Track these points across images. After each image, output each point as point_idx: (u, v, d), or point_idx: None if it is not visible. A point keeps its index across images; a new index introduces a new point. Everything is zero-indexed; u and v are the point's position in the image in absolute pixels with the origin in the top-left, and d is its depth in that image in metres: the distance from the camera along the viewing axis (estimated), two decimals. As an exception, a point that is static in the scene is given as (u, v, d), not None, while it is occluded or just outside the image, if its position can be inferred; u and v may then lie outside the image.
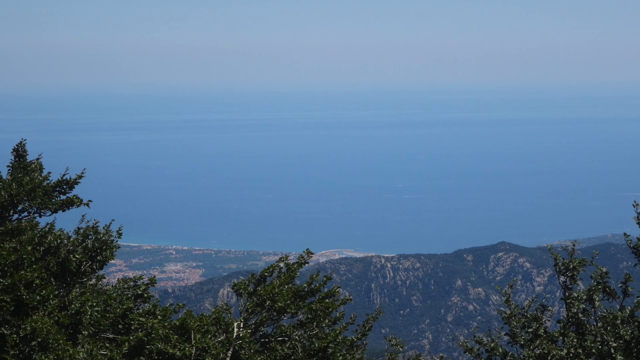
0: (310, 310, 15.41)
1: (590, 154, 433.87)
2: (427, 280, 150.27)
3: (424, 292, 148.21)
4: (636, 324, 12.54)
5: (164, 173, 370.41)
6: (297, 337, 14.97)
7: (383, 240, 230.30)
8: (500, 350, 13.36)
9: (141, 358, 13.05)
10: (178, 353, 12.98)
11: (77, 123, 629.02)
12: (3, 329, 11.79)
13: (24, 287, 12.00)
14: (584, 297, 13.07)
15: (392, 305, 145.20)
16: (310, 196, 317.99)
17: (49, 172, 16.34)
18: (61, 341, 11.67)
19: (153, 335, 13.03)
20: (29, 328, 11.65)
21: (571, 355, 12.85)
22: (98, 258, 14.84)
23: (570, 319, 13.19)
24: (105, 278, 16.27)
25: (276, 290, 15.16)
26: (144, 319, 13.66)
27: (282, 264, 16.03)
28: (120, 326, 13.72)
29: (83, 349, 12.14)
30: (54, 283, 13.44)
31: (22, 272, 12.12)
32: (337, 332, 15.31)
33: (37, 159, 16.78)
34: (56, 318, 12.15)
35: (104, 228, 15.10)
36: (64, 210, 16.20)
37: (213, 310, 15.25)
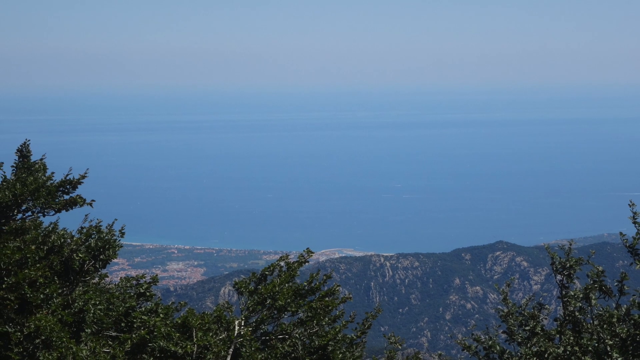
0: (311, 308, 15.46)
1: (587, 154, 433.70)
2: (425, 279, 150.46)
3: (422, 291, 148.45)
4: (632, 322, 12.64)
5: (166, 173, 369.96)
6: (297, 335, 15.01)
7: (382, 240, 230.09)
8: (498, 348, 13.44)
9: (143, 356, 13.08)
10: (180, 351, 13.02)
11: (81, 124, 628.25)
12: (7, 327, 11.80)
13: (28, 286, 12.03)
14: (581, 295, 13.14)
15: (391, 304, 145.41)
16: (310, 196, 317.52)
17: (53, 172, 16.38)
18: (64, 339, 11.71)
19: (155, 333, 13.06)
20: (32, 326, 11.70)
21: (568, 352, 12.96)
22: (101, 257, 14.92)
23: (567, 317, 13.27)
24: (108, 277, 16.33)
25: (277, 288, 15.24)
26: (146, 317, 13.70)
27: (282, 263, 16.11)
28: (122, 324, 13.75)
29: (86, 347, 12.18)
30: (57, 282, 13.47)
31: (26, 270, 12.14)
32: (337, 330, 15.33)
33: (41, 159, 16.79)
34: (60, 316, 12.17)
35: (106, 227, 15.19)
36: (67, 210, 16.24)
37: (214, 308, 15.33)
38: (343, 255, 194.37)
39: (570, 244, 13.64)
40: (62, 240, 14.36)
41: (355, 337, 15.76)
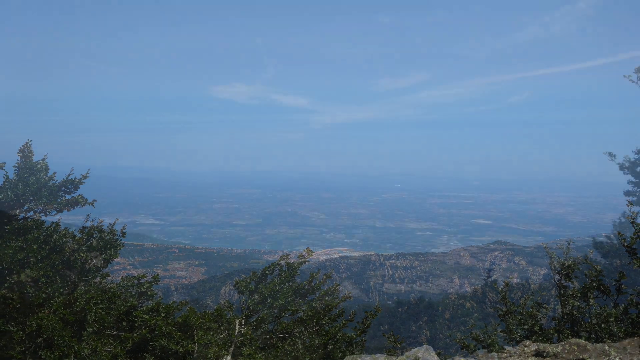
0: (311, 307, 15.56)
1: (586, 154, 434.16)
2: (424, 278, 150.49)
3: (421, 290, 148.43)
4: (629, 321, 12.72)
5: (167, 173, 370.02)
6: (297, 334, 15.11)
7: (382, 239, 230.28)
8: (497, 346, 13.53)
9: (145, 354, 13.13)
10: (181, 349, 13.04)
11: (83, 124, 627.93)
12: (9, 325, 11.84)
13: (30, 285, 12.12)
14: (579, 294, 13.24)
15: (390, 303, 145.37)
16: (310, 196, 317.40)
17: (55, 172, 16.43)
18: (66, 338, 11.76)
19: (156, 332, 13.10)
20: (34, 325, 11.75)
21: (566, 351, 13.02)
22: (102, 256, 15.01)
23: (565, 316, 13.36)
24: (109, 276, 16.38)
25: (277, 288, 15.30)
26: (147, 316, 13.73)
27: (283, 262, 16.17)
28: (124, 323, 13.77)
29: (88, 346, 12.20)
30: (59, 281, 13.57)
31: (29, 270, 12.24)
32: (337, 329, 15.40)
33: (43, 160, 16.87)
34: (61, 315, 12.22)
35: (108, 227, 15.27)
36: (69, 210, 16.31)
37: (215, 307, 15.40)
38: (343, 254, 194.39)
39: (569, 244, 13.71)
40: (64, 239, 14.41)
41: (355, 336, 15.81)
